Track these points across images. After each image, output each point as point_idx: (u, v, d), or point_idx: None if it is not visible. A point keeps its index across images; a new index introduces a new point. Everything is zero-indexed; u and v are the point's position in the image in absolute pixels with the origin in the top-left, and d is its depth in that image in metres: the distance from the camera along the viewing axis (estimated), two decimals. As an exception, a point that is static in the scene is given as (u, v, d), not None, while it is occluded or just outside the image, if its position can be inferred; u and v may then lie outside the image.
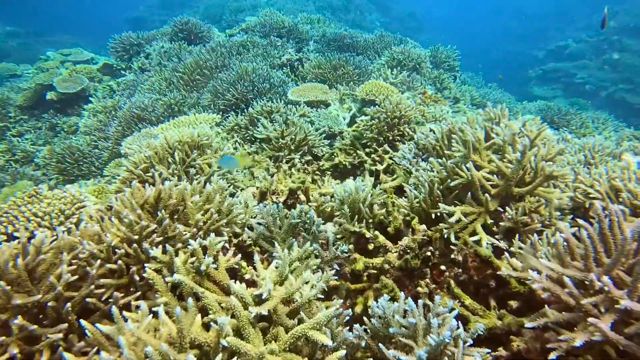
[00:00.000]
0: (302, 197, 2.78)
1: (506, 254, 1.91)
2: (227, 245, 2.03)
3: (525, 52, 28.92)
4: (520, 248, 1.92)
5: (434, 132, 3.00)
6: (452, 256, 1.96)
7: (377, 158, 3.54)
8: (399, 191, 2.78)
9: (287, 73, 6.39)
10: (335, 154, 3.78)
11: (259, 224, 2.10)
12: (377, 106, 3.96)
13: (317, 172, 3.67)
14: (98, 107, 6.33)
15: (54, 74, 7.52)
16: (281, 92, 5.44)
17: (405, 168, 2.88)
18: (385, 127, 3.65)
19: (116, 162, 5.32)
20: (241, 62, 6.52)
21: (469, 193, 2.11)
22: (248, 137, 4.25)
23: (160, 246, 1.70)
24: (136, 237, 1.73)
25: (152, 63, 7.09)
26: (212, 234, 1.69)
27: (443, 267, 1.97)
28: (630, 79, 17.65)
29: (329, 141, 4.14)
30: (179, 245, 1.77)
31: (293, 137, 3.76)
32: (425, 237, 2.06)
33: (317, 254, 2.10)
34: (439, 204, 2.06)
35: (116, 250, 1.68)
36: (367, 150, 3.65)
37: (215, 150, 3.13)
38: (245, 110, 5.40)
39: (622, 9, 22.69)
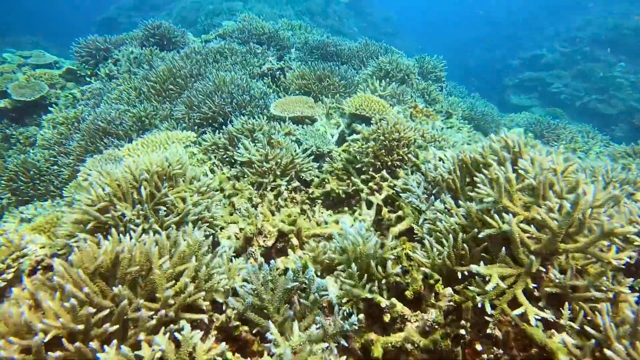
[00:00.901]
0: (294, 241, 2.35)
1: (557, 333, 1.54)
2: (205, 321, 1.58)
3: (500, 60, 29.39)
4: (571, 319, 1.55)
5: (443, 162, 2.63)
6: (489, 331, 1.58)
7: (375, 186, 3.15)
8: (408, 233, 2.39)
9: (268, 84, 5.95)
10: (326, 179, 3.37)
11: (247, 292, 1.66)
12: (371, 125, 3.58)
13: (306, 201, 3.25)
14: (59, 117, 5.72)
15: (9, 79, 6.84)
16: (262, 106, 4.99)
17: (415, 206, 2.49)
18: (383, 151, 3.26)
19: (78, 181, 4.76)
20: (218, 70, 6.05)
21: (503, 248, 1.73)
22: (227, 158, 3.79)
23: (114, 346, 1.24)
24: (81, 326, 1.27)
25: (121, 70, 6.52)
26: (187, 326, 1.25)
27: (479, 347, 1.58)
28: (603, 89, 17.98)
29: (317, 164, 3.73)
30: (142, 336, 1.32)
31: (278, 160, 3.33)
32: (451, 304, 1.67)
33: (319, 323, 1.68)
34: (471, 265, 1.68)
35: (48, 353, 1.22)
36: (363, 177, 3.25)
37: (190, 180, 2.67)
38: (223, 125, 4.94)
39: (592, 19, 23.26)
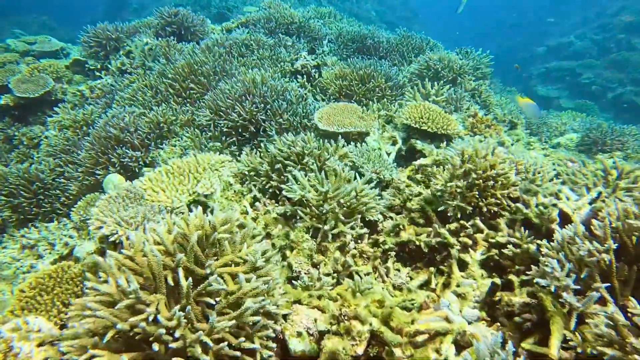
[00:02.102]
0: (398, 352, 1.67)
1: None
2: None
3: (524, 47, 28.11)
4: None
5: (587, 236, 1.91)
6: None
7: (469, 241, 2.44)
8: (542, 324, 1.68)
9: (302, 83, 5.20)
10: (400, 225, 2.66)
11: None
12: (451, 151, 2.85)
13: (378, 254, 2.55)
14: (65, 120, 5.03)
15: (10, 71, 6.14)
16: (301, 114, 4.26)
17: (557, 306, 1.76)
18: (475, 192, 2.54)
19: (89, 198, 4.10)
20: (246, 67, 5.31)
21: None
22: (270, 189, 3.08)
23: None
24: None
25: (134, 63, 5.79)
26: None
27: None
28: (639, 80, 16.94)
29: (381, 198, 3.01)
30: None
31: (341, 200, 2.62)
32: None
33: None
34: None
35: None
36: (451, 226, 2.54)
37: (240, 241, 1.98)
38: (256, 134, 4.24)
39: (627, 4, 21.96)
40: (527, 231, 2.27)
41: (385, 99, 4.86)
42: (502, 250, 2.28)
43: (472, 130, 4.51)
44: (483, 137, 4.41)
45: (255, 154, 3.34)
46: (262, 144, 3.53)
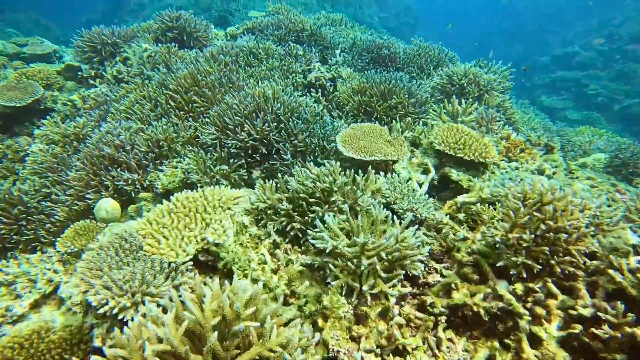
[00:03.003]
0: None
1: None
2: None
3: (526, 55, 27.85)
4: None
5: None
6: None
7: (542, 311, 1.99)
8: None
9: (317, 98, 4.74)
10: (453, 284, 2.21)
11: None
12: (503, 189, 2.40)
13: (429, 324, 2.09)
14: (54, 134, 4.53)
15: (-3, 78, 5.64)
16: (321, 135, 3.80)
17: None
18: (547, 248, 2.09)
19: (78, 227, 3.62)
20: (254, 78, 4.85)
21: None
22: (292, 231, 2.61)
23: None
24: None
25: (132, 71, 5.31)
26: None
27: None
28: (646, 93, 16.65)
29: (422, 246, 2.55)
30: None
31: (382, 253, 2.16)
32: None
33: None
34: None
35: None
36: (515, 288, 2.08)
37: (270, 327, 1.51)
38: (267, 156, 3.77)
39: (633, 15, 21.74)
40: (622, 305, 1.82)
41: (408, 118, 4.42)
42: (590, 327, 1.83)
43: (507, 155, 4.07)
44: (520, 164, 3.97)
45: (272, 184, 2.87)
46: (279, 174, 3.05)
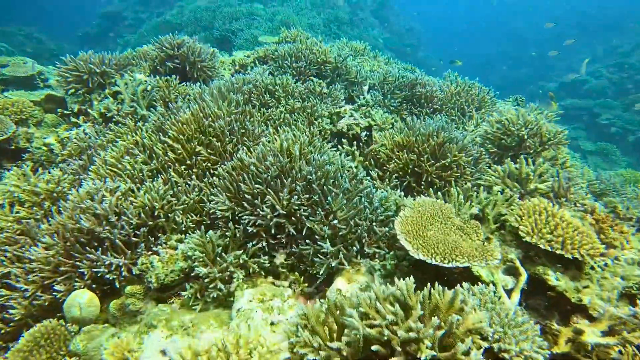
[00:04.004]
0: None
1: None
2: None
3: (530, 80, 27.41)
4: None
5: None
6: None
7: None
8: None
9: (350, 152, 3.86)
10: None
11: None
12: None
13: None
14: (20, 192, 3.58)
15: (-39, 111, 4.71)
16: (368, 215, 2.90)
17: None
18: None
19: (39, 333, 2.67)
20: (272, 121, 3.99)
21: None
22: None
23: None
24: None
25: (123, 109, 4.40)
26: None
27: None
28: (661, 125, 16.06)
29: None
30: None
31: None
32: None
33: None
34: None
35: None
36: None
37: None
38: (294, 238, 2.87)
39: (640, 44, 21.35)
40: None
41: (468, 183, 3.55)
42: None
43: (598, 237, 3.19)
44: (619, 251, 3.10)
45: (318, 311, 1.96)
46: (311, 260, 2.14)
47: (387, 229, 2.82)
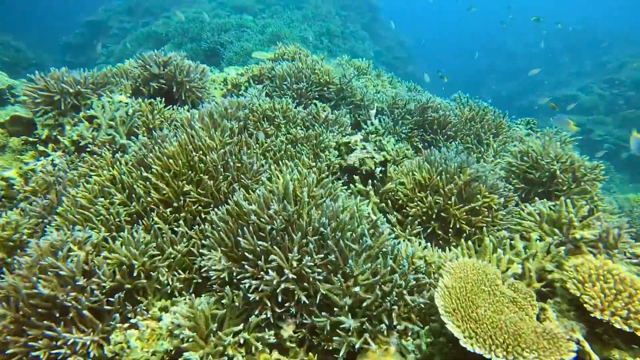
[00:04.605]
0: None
1: None
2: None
3: (518, 95, 27.45)
4: None
5: None
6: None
7: None
8: None
9: (364, 192, 3.34)
10: None
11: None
12: None
13: None
14: (-31, 240, 2.97)
15: None
16: (398, 281, 2.37)
17: None
18: None
19: None
20: (270, 154, 3.46)
21: None
22: None
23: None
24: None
25: (99, 137, 3.83)
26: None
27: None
28: (654, 142, 15.95)
29: None
30: None
31: None
32: None
33: None
34: None
35: None
36: None
37: None
38: (305, 307, 2.33)
39: (627, 60, 21.48)
40: None
41: (502, 231, 3.06)
42: None
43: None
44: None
45: None
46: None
47: (421, 299, 2.30)
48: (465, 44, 38.17)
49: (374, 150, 3.55)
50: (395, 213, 3.24)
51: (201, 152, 3.31)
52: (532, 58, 32.09)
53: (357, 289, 2.30)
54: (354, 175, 3.43)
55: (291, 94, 4.48)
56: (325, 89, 4.60)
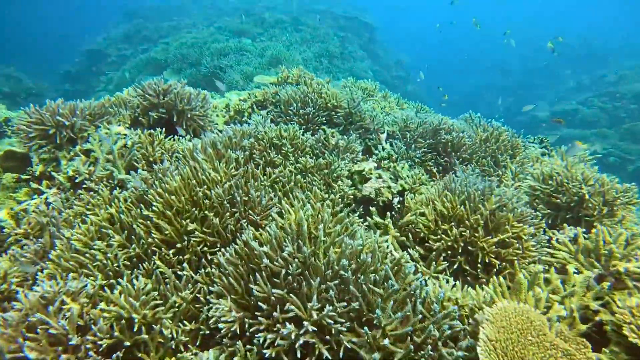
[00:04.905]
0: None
1: None
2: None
3: (518, 110, 27.38)
4: None
5: None
6: None
7: None
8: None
9: (383, 225, 3.09)
10: None
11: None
12: None
13: None
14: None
15: None
16: (434, 333, 2.10)
17: None
18: None
19: None
20: (279, 186, 3.23)
21: None
22: None
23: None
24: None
25: (96, 172, 3.60)
26: None
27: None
28: (658, 153, 15.81)
29: None
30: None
31: None
32: None
33: None
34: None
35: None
36: None
37: None
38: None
39: (627, 74, 21.49)
40: None
41: (537, 265, 2.80)
42: None
43: None
44: None
45: None
46: None
47: (460, 353, 2.02)
48: (462, 61, 38.37)
49: (391, 179, 3.31)
50: (417, 247, 2.99)
51: (205, 186, 3.08)
52: (528, 73, 32.22)
53: (386, 341, 2.03)
54: (370, 207, 3.18)
55: (298, 120, 4.27)
56: (333, 113, 4.40)
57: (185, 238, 2.86)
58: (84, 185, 3.53)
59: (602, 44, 30.67)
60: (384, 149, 4.14)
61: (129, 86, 5.02)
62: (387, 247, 2.65)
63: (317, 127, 4.26)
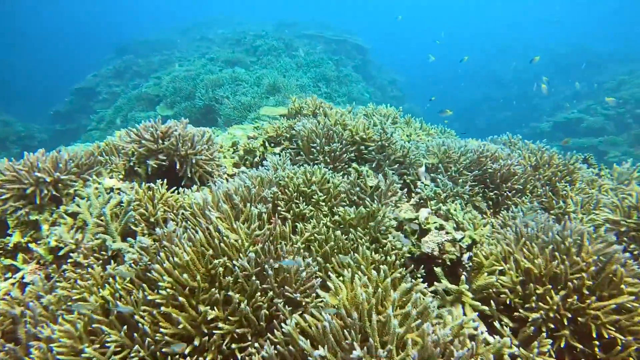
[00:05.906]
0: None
1: None
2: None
3: (517, 122, 27.01)
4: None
5: None
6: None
7: None
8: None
9: (454, 293, 2.40)
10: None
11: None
12: None
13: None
14: None
15: None
16: None
17: None
18: None
19: None
20: (314, 247, 2.55)
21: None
22: None
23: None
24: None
25: (84, 242, 2.90)
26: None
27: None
28: (673, 159, 15.32)
29: None
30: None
31: None
32: None
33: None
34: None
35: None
36: None
37: None
38: None
39: (626, 78, 21.26)
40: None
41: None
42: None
43: None
44: None
45: None
46: None
47: None
48: (458, 75, 38.29)
49: (454, 228, 2.64)
50: (505, 320, 2.30)
51: (226, 257, 2.39)
52: (524, 85, 32.07)
53: None
54: (434, 267, 2.50)
55: (323, 159, 3.62)
56: (363, 147, 3.76)
57: (205, 329, 2.16)
58: (70, 259, 2.83)
59: (595, 52, 30.67)
60: (426, 186, 3.48)
61: (121, 128, 4.38)
62: (480, 331, 1.96)
63: (347, 165, 3.62)
